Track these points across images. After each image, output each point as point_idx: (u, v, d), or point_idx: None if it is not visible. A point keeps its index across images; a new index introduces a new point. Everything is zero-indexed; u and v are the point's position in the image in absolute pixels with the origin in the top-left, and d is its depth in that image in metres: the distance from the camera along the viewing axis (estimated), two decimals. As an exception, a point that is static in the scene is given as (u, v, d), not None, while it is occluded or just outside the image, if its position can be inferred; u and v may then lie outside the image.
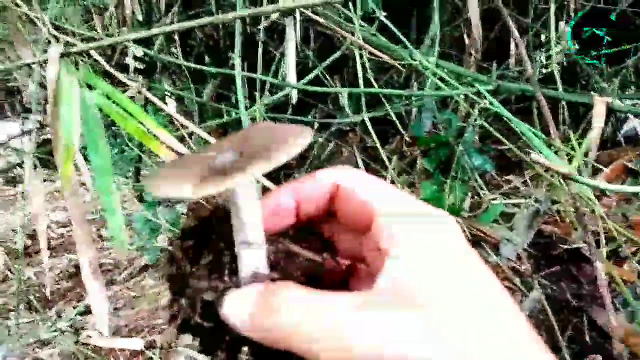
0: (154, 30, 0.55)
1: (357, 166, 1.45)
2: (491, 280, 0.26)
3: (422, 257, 0.25)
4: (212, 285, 0.30)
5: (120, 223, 0.63)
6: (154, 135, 0.59)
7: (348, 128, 2.05)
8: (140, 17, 1.47)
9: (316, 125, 1.60)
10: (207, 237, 0.32)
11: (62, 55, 0.58)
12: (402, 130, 1.17)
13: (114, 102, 0.60)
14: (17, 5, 0.78)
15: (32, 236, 2.06)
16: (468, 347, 0.22)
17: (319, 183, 0.32)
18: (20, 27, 0.85)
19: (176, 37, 1.44)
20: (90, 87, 0.62)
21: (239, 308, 0.28)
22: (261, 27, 1.01)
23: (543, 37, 1.69)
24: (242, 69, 1.15)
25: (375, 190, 0.31)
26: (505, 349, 0.23)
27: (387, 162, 0.97)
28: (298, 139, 0.26)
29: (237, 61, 0.68)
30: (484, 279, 0.26)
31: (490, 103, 0.74)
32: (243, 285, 0.30)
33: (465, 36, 1.47)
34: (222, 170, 0.26)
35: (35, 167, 1.07)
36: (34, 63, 0.66)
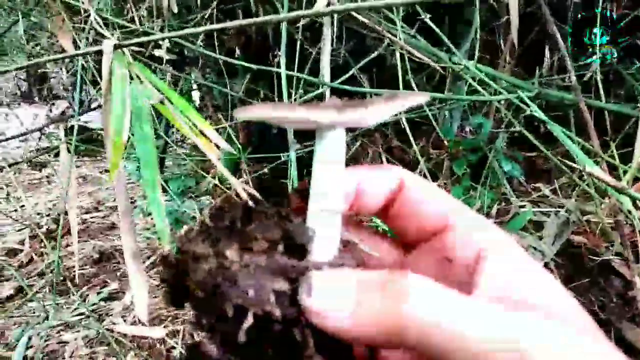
0: (200, 29, 0.55)
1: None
2: (565, 291, 0.27)
3: (512, 265, 0.27)
4: (281, 272, 0.26)
5: (164, 215, 0.64)
6: (201, 132, 0.60)
7: (374, 127, 2.04)
8: (175, 10, 1.48)
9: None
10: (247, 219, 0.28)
11: (116, 48, 0.59)
12: (437, 130, 1.16)
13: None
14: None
15: (56, 220, 2.10)
16: (572, 343, 0.23)
17: (387, 173, 0.31)
18: (65, 16, 0.86)
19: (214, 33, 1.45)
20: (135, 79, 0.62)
21: (336, 299, 0.25)
22: (300, 24, 1.01)
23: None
24: (276, 66, 1.15)
25: (447, 201, 0.31)
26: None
27: (422, 164, 0.96)
28: (415, 96, 0.26)
29: (282, 59, 0.68)
30: (562, 289, 0.27)
31: (534, 111, 0.73)
32: (324, 268, 0.26)
33: (501, 41, 1.45)
34: (337, 107, 0.24)
35: (68, 151, 1.09)
36: (83, 54, 0.67)
